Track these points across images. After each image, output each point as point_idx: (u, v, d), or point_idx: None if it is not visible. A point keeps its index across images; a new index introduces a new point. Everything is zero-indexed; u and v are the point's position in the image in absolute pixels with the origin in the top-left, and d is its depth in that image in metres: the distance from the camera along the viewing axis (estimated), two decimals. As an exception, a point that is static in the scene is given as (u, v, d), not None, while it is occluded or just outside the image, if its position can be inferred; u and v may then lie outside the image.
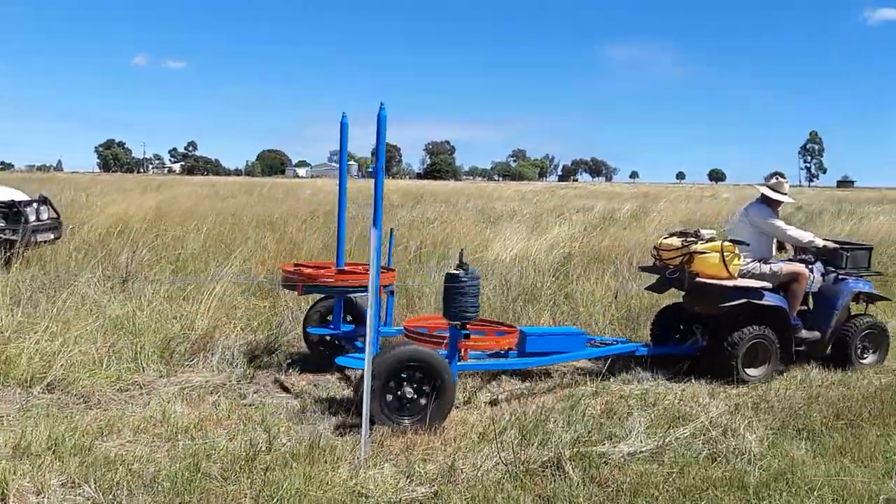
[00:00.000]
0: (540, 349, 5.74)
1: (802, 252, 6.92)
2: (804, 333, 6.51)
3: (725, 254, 6.11)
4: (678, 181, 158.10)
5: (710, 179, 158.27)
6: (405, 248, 11.30)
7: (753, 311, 6.15)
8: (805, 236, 6.73)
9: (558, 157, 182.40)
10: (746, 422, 4.88)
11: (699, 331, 6.51)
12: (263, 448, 4.16)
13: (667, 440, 4.42)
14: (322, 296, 6.30)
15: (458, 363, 5.12)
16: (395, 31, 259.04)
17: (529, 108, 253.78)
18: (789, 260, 6.86)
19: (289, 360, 6.11)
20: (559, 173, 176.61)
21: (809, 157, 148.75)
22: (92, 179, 39.90)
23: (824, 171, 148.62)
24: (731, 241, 6.38)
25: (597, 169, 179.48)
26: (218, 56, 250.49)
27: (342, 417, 4.83)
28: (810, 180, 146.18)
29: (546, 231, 14.74)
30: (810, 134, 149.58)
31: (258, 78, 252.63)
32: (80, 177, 50.16)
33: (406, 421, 4.65)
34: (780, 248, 7.02)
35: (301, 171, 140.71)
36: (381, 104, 5.13)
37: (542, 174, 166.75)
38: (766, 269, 6.52)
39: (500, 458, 4.09)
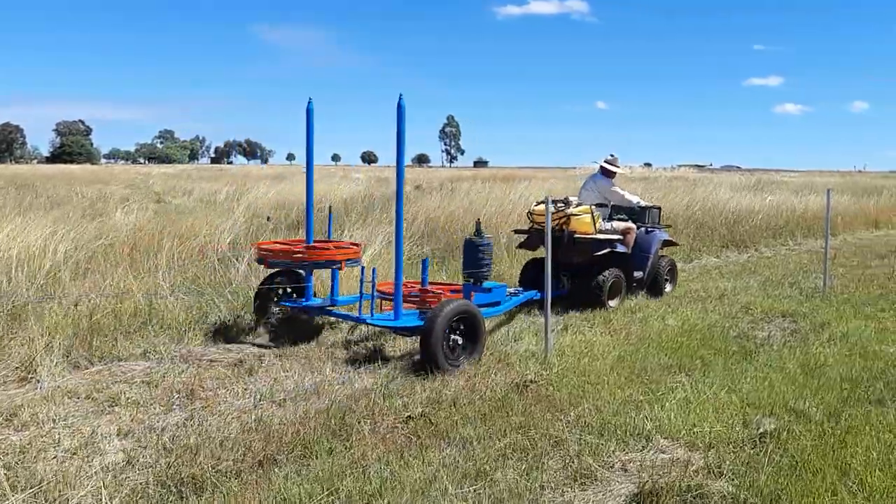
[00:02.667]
0: (484, 301, 6.51)
1: (617, 212, 8.74)
2: (635, 273, 8.43)
3: (594, 215, 7.94)
4: (333, 163, 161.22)
5: (364, 161, 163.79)
6: None
7: (610, 258, 7.99)
8: (635, 199, 8.83)
9: (210, 139, 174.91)
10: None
11: (566, 277, 8.06)
12: None
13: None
14: (272, 272, 6.65)
15: None
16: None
17: (180, 89, 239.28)
18: (615, 219, 8.61)
19: None
20: (212, 155, 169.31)
21: (448, 140, 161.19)
22: None
23: (462, 153, 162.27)
24: (597, 205, 8.29)
25: (252, 151, 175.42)
26: None
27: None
28: (451, 161, 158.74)
29: (100, 218, 12.47)
30: (448, 118, 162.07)
31: None
32: None
33: (461, 360, 5.55)
34: None
35: None
36: (400, 95, 5.72)
37: (194, 156, 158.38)
38: (608, 226, 8.30)
39: None
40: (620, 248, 8.14)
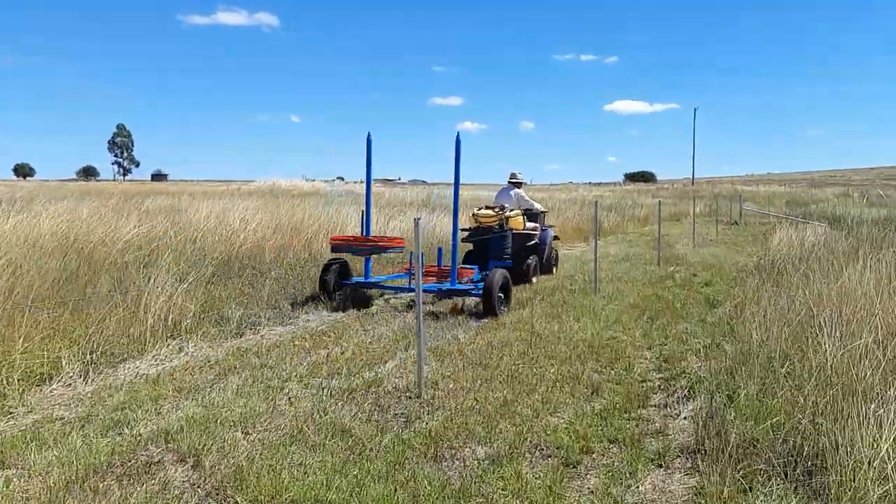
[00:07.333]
0: (476, 278, 9.73)
1: (523, 214, 11.48)
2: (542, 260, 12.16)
3: (522, 216, 11.31)
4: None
5: (17, 175, 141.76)
6: None
7: (532, 247, 11.45)
8: (538, 206, 12.12)
9: None
10: None
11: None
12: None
13: None
14: (333, 257, 9.20)
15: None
16: None
17: None
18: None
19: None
20: None
21: (120, 151, 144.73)
22: None
23: (137, 165, 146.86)
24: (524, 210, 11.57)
25: None
26: None
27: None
28: (124, 174, 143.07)
29: None
30: (118, 127, 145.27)
31: None
32: None
33: (503, 308, 8.49)
34: None
35: None
36: (458, 132, 8.33)
37: None
38: (527, 225, 11.50)
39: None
40: (537, 240, 11.53)
